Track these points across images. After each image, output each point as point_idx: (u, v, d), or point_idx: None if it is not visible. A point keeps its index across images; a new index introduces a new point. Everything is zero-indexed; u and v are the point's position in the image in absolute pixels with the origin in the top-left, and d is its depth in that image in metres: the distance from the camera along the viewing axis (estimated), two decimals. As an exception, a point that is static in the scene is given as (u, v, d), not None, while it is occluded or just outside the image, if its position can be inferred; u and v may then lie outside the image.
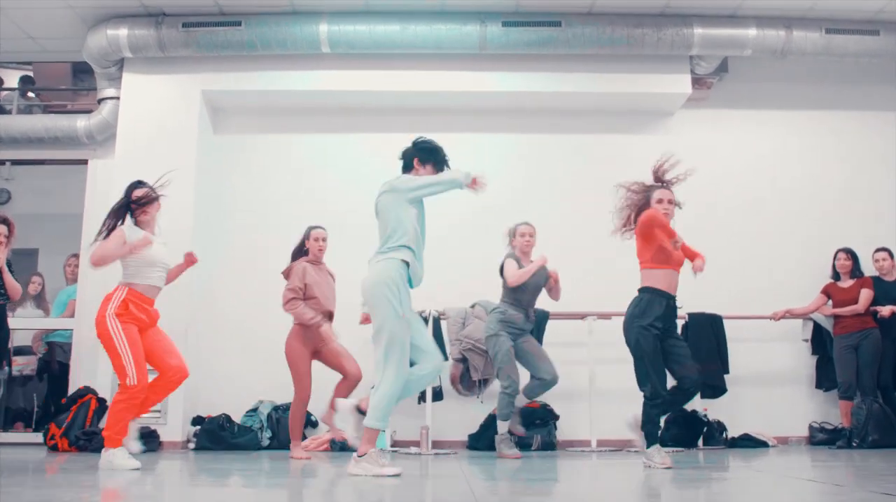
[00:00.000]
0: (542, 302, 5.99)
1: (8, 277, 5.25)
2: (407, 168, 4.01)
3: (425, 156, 3.97)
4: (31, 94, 7.56)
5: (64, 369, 6.90)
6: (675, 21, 6.37)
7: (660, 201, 4.34)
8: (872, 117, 7.07)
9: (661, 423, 4.82)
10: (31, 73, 7.57)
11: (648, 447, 4.23)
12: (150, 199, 4.35)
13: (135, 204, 4.33)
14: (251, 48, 6.35)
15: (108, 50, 6.37)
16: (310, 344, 5.20)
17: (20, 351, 6.93)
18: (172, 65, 6.54)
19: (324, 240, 5.38)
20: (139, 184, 4.42)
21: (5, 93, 7.57)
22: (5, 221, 5.26)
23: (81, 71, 7.35)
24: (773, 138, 7.06)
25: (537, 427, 5.96)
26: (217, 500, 3.09)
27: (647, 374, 4.22)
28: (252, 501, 3.08)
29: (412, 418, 5.88)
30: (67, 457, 5.05)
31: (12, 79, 7.76)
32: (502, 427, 5.34)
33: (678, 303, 4.40)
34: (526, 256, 5.45)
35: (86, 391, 5.90)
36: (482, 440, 5.90)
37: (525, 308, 5.42)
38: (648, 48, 6.40)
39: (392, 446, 5.83)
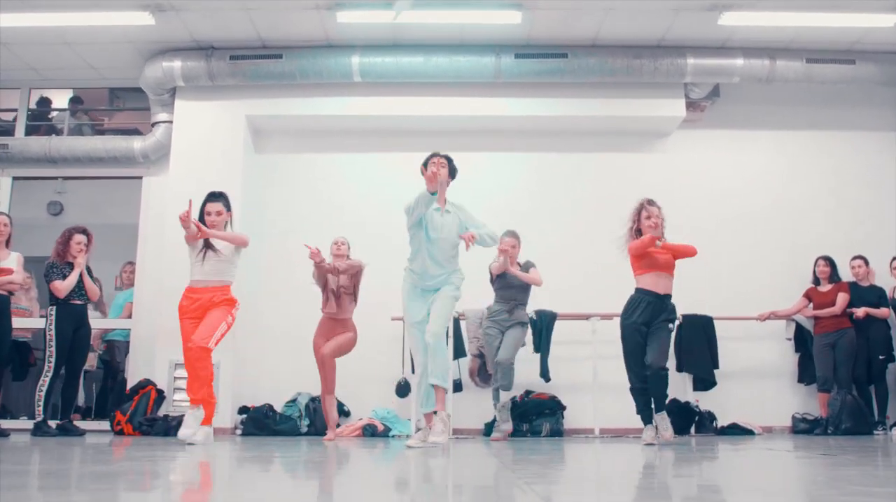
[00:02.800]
0: (550, 304, 6.65)
1: (87, 281, 6.00)
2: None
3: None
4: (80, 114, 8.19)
5: (113, 365, 7.58)
6: (670, 52, 6.96)
7: (648, 217, 5.07)
8: (851, 136, 7.59)
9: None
10: (77, 94, 8.15)
11: (644, 425, 5.04)
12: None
13: None
14: (290, 77, 7.00)
15: (163, 79, 7.06)
16: (322, 333, 5.80)
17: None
18: (220, 92, 7.19)
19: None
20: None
21: (55, 113, 8.15)
22: (84, 232, 6.02)
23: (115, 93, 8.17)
24: (761, 155, 7.59)
25: (546, 416, 6.58)
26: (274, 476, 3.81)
27: (627, 366, 5.02)
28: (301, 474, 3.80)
29: (435, 407, 6.53)
30: (135, 440, 5.64)
31: (56, 97, 8.26)
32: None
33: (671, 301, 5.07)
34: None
35: (146, 383, 6.53)
36: (497, 427, 6.53)
37: (508, 302, 6.09)
38: (646, 76, 6.98)
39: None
